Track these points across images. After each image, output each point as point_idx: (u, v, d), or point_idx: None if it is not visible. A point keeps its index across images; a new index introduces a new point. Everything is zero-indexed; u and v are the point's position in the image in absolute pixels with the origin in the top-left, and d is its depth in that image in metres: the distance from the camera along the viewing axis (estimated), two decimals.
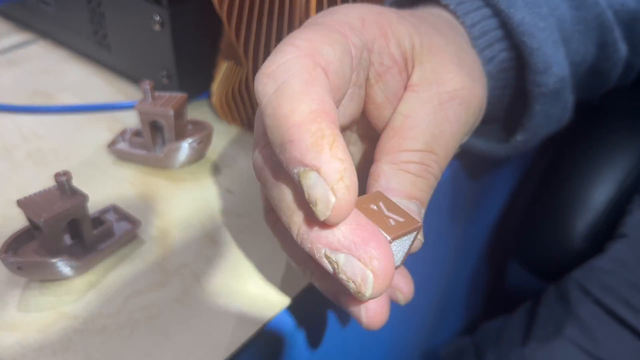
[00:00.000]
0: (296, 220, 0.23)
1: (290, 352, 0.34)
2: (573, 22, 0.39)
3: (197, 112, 0.48)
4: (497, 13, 0.35)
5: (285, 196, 0.23)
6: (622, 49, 0.44)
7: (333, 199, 0.20)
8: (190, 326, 0.31)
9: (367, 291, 0.21)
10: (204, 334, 0.31)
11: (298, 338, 0.34)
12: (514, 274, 0.65)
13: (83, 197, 0.32)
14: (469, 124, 0.30)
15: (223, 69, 0.44)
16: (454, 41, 0.31)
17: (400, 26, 0.28)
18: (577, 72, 0.42)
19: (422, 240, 0.26)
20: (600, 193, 0.58)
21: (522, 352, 0.53)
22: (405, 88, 0.29)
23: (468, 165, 0.50)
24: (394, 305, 0.50)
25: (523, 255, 0.63)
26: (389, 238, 0.22)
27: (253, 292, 0.33)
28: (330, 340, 0.40)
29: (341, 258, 0.21)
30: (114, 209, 0.36)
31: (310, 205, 0.21)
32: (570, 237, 0.58)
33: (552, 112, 0.40)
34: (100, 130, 0.45)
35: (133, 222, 0.36)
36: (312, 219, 0.22)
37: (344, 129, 0.30)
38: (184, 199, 0.39)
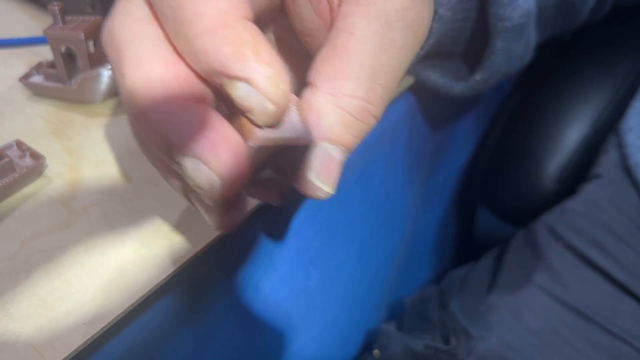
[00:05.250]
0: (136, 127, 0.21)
1: (213, 302, 0.31)
2: None
3: None
4: None
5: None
6: None
7: (272, 107, 0.19)
8: (95, 270, 0.27)
9: (214, 197, 0.19)
10: (110, 279, 0.27)
11: (222, 286, 0.31)
12: (484, 221, 0.61)
13: None
14: (415, 51, 0.25)
15: None
16: None
17: None
18: (544, 6, 0.38)
19: (341, 159, 0.22)
20: (572, 132, 0.55)
21: (487, 299, 0.50)
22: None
23: (430, 104, 0.46)
24: (350, 250, 0.47)
25: (491, 200, 0.59)
26: (250, 143, 0.20)
27: (170, 235, 0.29)
28: (271, 289, 0.37)
29: (188, 163, 0.19)
30: (17, 144, 0.32)
31: (246, 113, 0.19)
32: (540, 179, 0.55)
33: (514, 50, 0.36)
34: (18, 66, 0.41)
35: (37, 158, 0.32)
36: (155, 124, 0.19)
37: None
38: (100, 135, 0.35)
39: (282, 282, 0.37)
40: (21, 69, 0.40)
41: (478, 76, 0.37)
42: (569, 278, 0.48)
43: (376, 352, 0.51)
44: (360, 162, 0.39)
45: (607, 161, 0.53)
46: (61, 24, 0.35)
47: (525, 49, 0.38)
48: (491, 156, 0.59)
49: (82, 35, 0.34)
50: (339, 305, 0.48)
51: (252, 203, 0.31)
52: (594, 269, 0.48)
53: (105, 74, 0.36)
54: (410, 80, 0.42)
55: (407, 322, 0.53)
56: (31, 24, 0.46)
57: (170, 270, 0.27)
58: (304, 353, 0.44)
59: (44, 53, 0.42)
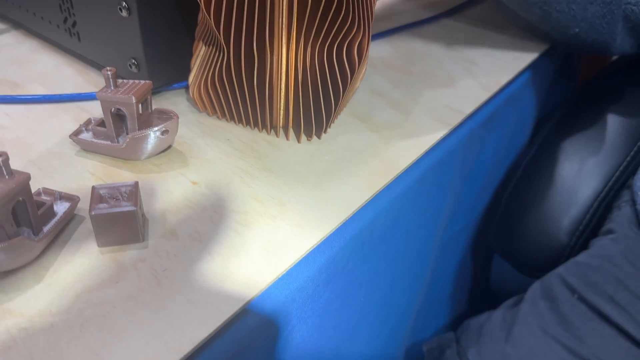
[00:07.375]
0: None
1: (250, 355, 0.32)
2: None
3: (168, 102, 0.46)
4: None
5: None
6: None
7: None
8: (144, 325, 0.29)
9: None
10: (159, 333, 0.29)
11: (259, 340, 0.33)
12: (499, 270, 0.63)
13: (24, 177, 0.30)
14: None
15: (199, 57, 0.43)
16: None
17: None
18: None
19: None
20: (587, 188, 0.57)
21: (504, 349, 0.51)
22: None
23: (450, 159, 0.49)
24: (374, 301, 0.49)
25: (507, 250, 0.61)
26: None
27: (214, 291, 0.32)
28: (300, 341, 0.39)
29: None
30: (44, 191, 0.35)
31: None
32: (555, 232, 0.57)
33: None
34: (67, 121, 0.44)
35: (71, 199, 0.34)
36: None
37: None
38: (146, 191, 0.37)
39: (310, 334, 0.39)
40: (70, 124, 0.43)
41: None
42: (584, 331, 0.50)
43: None
44: (386, 216, 0.41)
45: (621, 217, 0.54)
46: (112, 87, 0.38)
47: None
48: (506, 207, 0.61)
49: (134, 99, 0.36)
50: (362, 354, 0.49)
51: (288, 262, 0.33)
52: (608, 323, 0.49)
53: (152, 134, 0.38)
54: (430, 142, 0.44)
55: None
56: (77, 80, 0.49)
57: (215, 325, 0.29)
58: None
59: (91, 109, 0.45)
